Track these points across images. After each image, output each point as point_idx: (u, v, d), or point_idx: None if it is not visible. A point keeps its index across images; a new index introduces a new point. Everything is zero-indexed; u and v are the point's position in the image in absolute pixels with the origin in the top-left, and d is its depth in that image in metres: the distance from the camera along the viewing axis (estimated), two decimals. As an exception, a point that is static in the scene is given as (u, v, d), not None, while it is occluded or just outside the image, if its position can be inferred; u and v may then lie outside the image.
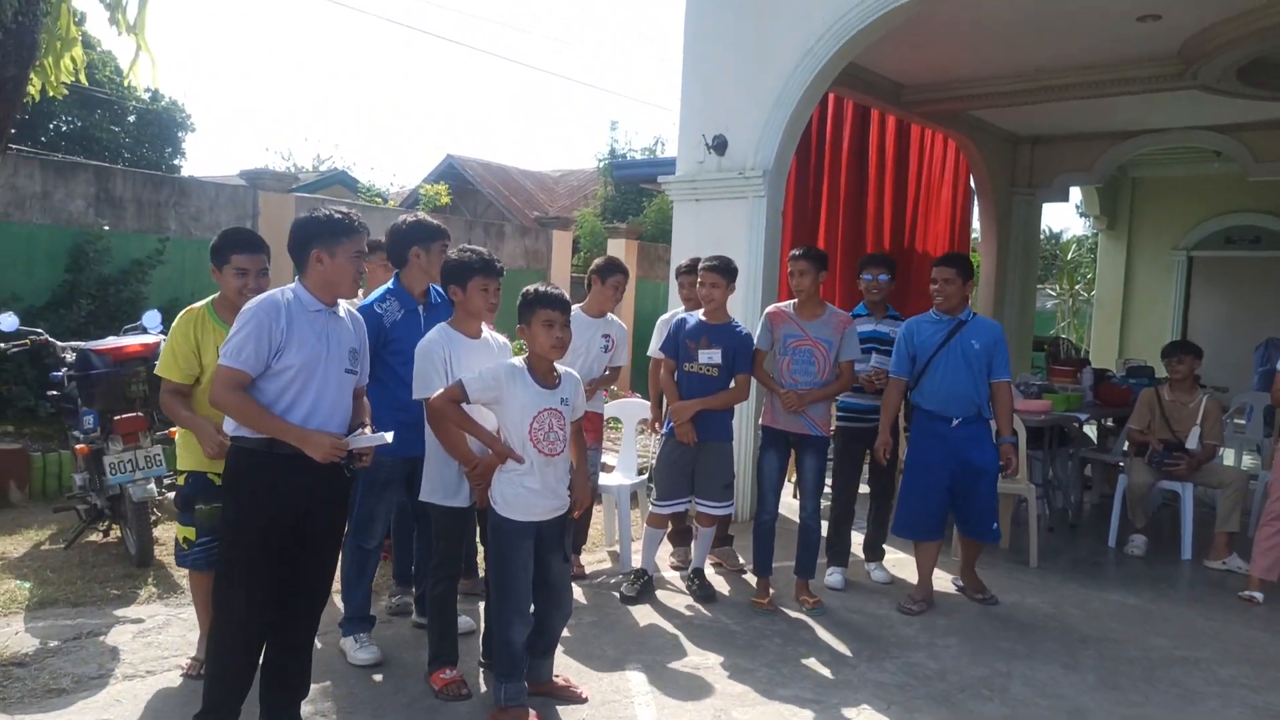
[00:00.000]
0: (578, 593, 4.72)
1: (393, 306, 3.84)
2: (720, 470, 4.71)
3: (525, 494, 3.30)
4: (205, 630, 3.53)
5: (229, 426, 2.97)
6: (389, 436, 3.01)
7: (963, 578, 5.08)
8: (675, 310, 5.50)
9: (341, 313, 3.08)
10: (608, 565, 5.36)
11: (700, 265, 4.74)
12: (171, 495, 5.26)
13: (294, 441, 2.86)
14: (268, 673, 3.09)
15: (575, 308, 4.39)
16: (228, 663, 2.98)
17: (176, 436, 3.60)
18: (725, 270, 4.64)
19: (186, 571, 3.82)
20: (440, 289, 3.99)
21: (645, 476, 5.87)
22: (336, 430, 2.99)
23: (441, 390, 3.32)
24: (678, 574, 5.19)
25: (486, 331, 3.63)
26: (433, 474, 3.54)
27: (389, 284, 3.93)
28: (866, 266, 5.27)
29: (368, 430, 3.08)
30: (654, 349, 5.10)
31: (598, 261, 5.21)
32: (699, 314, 4.74)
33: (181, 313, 3.54)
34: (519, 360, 3.38)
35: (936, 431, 4.76)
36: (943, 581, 5.20)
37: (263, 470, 2.90)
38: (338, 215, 3.01)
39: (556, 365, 3.41)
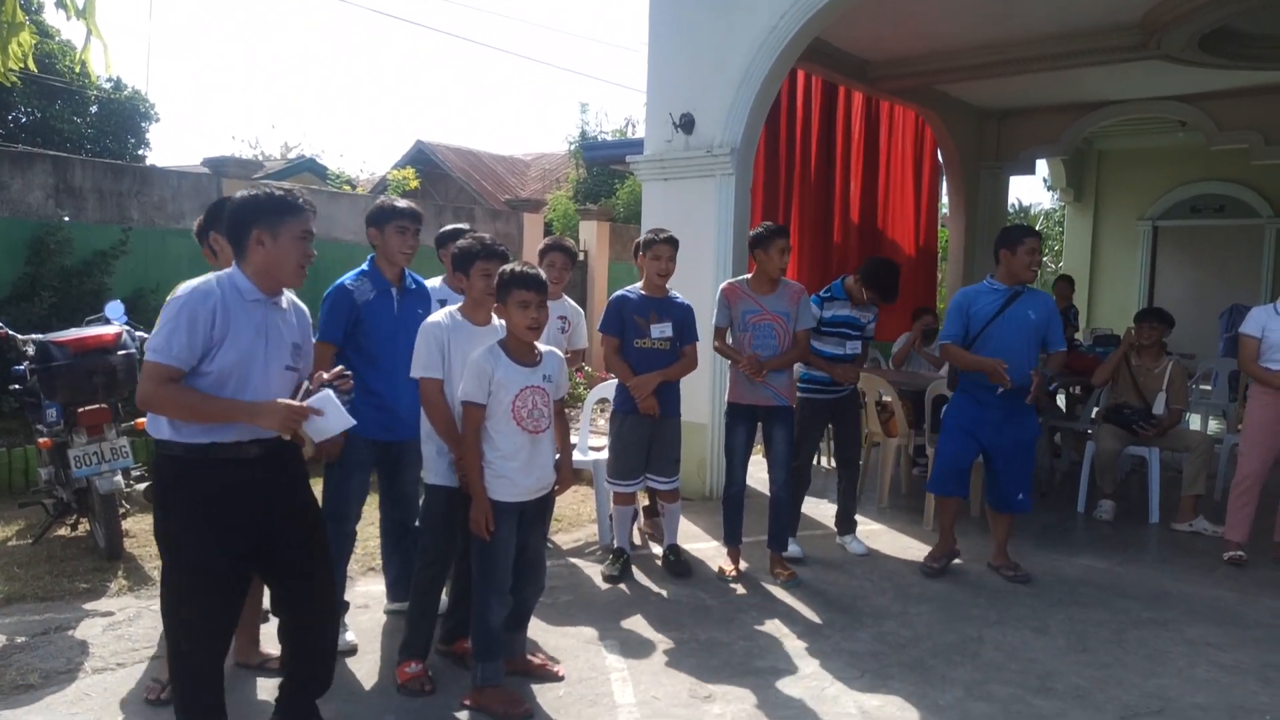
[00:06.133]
0: (553, 570, 4.72)
1: (365, 286, 3.75)
2: (673, 445, 4.78)
3: (512, 473, 3.28)
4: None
5: (157, 431, 2.66)
6: (350, 419, 2.69)
7: (995, 558, 5.00)
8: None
9: (284, 303, 2.80)
10: (582, 542, 5.37)
11: (658, 239, 4.70)
12: (140, 487, 5.20)
13: (246, 418, 2.59)
14: (290, 679, 2.91)
15: None
16: (192, 697, 2.72)
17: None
18: (678, 244, 4.73)
19: (159, 563, 3.75)
20: (416, 275, 3.97)
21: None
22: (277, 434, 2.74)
23: (467, 419, 3.26)
24: (655, 549, 5.21)
25: (496, 320, 3.54)
26: (428, 453, 3.52)
27: (364, 265, 3.86)
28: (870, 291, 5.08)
29: (328, 395, 2.67)
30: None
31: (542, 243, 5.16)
32: (638, 289, 4.74)
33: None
34: (494, 342, 3.33)
35: (979, 399, 4.81)
36: (914, 552, 5.26)
37: (195, 479, 2.63)
38: (280, 193, 2.75)
39: (537, 344, 3.39)
